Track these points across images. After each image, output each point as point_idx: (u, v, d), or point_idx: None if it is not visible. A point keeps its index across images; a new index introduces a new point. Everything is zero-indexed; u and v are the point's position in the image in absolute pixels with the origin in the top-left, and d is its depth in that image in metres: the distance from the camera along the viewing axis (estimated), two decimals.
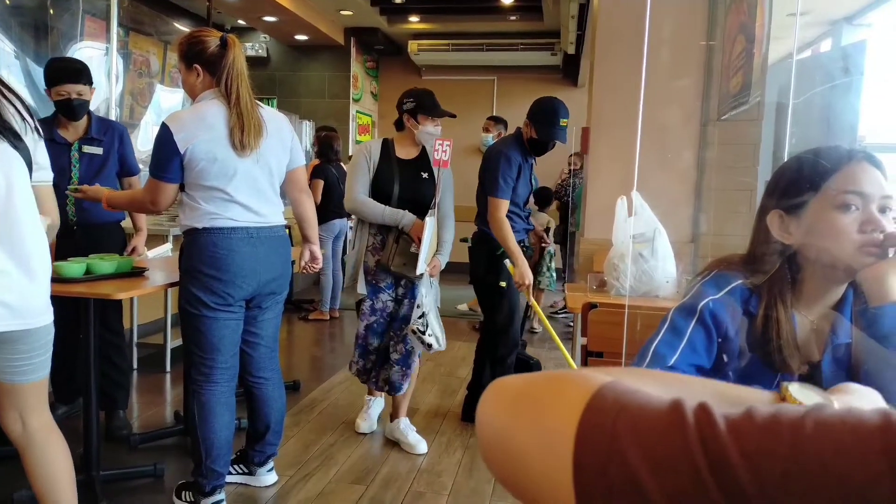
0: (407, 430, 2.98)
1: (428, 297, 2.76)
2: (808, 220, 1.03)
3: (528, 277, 2.92)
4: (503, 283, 3.03)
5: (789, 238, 1.06)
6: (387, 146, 2.84)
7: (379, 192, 2.77)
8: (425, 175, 2.83)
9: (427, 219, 2.68)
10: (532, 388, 0.42)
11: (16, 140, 1.62)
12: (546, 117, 2.99)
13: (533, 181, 3.23)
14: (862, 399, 0.51)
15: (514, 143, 3.12)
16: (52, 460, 1.79)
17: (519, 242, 3.15)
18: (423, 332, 2.71)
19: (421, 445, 2.92)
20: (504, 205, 2.99)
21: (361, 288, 2.82)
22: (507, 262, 2.94)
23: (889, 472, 0.30)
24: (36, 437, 1.77)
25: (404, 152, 2.85)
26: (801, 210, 1.04)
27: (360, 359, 2.91)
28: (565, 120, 2.99)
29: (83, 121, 2.82)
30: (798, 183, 1.06)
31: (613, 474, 0.34)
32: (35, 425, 1.76)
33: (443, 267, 2.86)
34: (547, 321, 3.03)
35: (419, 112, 2.78)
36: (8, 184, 1.60)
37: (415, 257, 2.68)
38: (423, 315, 2.72)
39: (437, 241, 2.82)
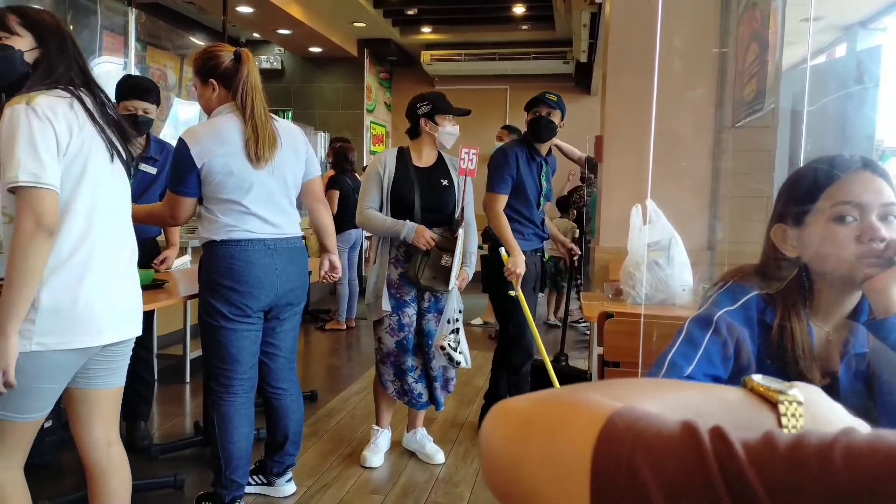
0: (424, 440, 2.97)
1: (462, 311, 2.74)
2: (809, 232, 1.03)
3: (521, 267, 2.91)
4: (512, 293, 3.03)
5: (793, 251, 1.06)
6: (403, 155, 2.77)
7: (400, 202, 2.69)
8: (445, 182, 2.77)
9: (460, 231, 2.65)
10: (539, 414, 0.41)
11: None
12: (532, 98, 3.13)
13: (543, 181, 3.19)
14: (809, 393, 0.49)
15: (517, 142, 3.21)
16: (125, 483, 1.81)
17: (534, 252, 3.15)
18: (455, 349, 2.65)
19: (438, 456, 2.92)
20: (500, 199, 3.03)
21: (386, 304, 2.71)
22: (501, 249, 2.94)
23: None
24: (116, 457, 1.77)
25: (422, 160, 2.78)
26: (802, 223, 1.04)
27: (396, 378, 2.79)
28: (552, 95, 3.10)
29: (142, 139, 2.89)
30: (798, 195, 1.05)
31: None
32: (116, 444, 1.78)
33: (470, 279, 2.81)
34: (535, 327, 3.02)
35: (436, 113, 2.73)
36: (124, 203, 1.74)
37: (444, 270, 2.62)
38: (456, 331, 2.67)
39: (465, 252, 2.77)
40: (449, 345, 2.64)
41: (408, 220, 2.66)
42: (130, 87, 2.82)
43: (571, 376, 3.22)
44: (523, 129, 3.33)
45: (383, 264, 2.74)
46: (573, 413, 0.39)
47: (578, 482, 0.36)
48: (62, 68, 1.58)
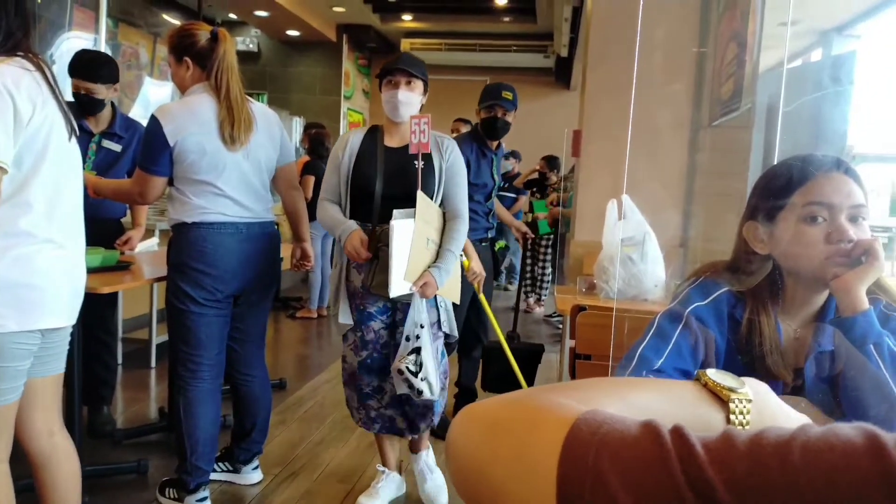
0: (425, 471, 2.44)
1: (426, 326, 2.10)
2: (779, 231, 1.05)
3: (481, 268, 2.81)
4: None
5: (763, 248, 1.08)
6: (373, 133, 2.28)
7: (358, 188, 2.19)
8: (420, 164, 2.19)
9: (393, 222, 2.01)
10: (506, 419, 0.42)
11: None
12: (487, 93, 3.06)
13: (495, 174, 3.16)
14: (759, 390, 0.51)
15: (468, 136, 3.16)
16: (72, 471, 1.75)
17: (480, 241, 3.11)
18: (416, 374, 2.04)
19: (441, 496, 2.42)
20: None
21: (344, 317, 2.23)
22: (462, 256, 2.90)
23: (885, 500, 0.30)
24: (60, 445, 1.71)
25: (395, 140, 2.25)
26: (772, 221, 1.06)
27: (360, 405, 2.29)
28: (508, 93, 3.03)
29: (106, 114, 2.80)
30: (770, 193, 1.07)
31: None
32: (59, 433, 1.72)
33: (440, 286, 2.12)
34: (495, 319, 3.02)
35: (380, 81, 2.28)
36: (80, 184, 1.66)
37: None
38: (416, 350, 2.06)
39: (440, 249, 2.18)
40: (408, 368, 2.03)
41: (348, 219, 2.17)
42: (79, 64, 2.69)
43: (526, 352, 3.23)
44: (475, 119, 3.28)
45: (341, 269, 2.26)
46: (538, 417, 0.40)
47: (546, 488, 0.36)
48: (20, 33, 1.51)
